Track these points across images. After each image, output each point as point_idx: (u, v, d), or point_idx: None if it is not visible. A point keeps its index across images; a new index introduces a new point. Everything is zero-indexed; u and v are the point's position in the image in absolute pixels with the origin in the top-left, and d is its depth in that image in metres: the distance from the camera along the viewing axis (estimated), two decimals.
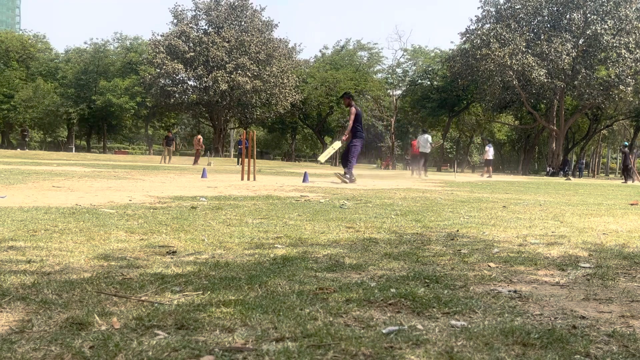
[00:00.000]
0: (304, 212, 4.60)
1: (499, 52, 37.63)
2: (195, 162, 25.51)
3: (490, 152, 23.94)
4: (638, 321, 1.66)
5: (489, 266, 2.46)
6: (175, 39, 46.56)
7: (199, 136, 27.52)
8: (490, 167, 23.86)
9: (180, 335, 1.39)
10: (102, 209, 4.34)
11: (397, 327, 1.49)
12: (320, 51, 60.83)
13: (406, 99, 57.98)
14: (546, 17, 41.68)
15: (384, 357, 1.27)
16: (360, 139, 10.55)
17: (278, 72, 47.91)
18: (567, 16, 40.49)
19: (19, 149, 35.43)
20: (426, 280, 2.10)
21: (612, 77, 37.68)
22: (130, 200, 5.26)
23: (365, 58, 58.15)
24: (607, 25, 37.89)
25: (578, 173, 44.84)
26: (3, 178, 7.90)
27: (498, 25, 39.88)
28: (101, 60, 56.75)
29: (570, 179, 26.02)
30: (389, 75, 59.15)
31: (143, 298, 1.74)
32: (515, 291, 1.99)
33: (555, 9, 40.79)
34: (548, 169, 42.36)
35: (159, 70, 46.13)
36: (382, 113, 60.78)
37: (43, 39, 62.40)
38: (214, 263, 2.33)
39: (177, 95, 47.57)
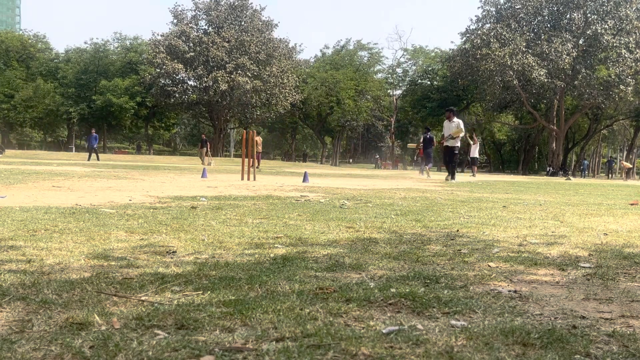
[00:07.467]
0: (304, 212, 4.60)
1: (499, 52, 37.64)
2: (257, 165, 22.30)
3: (473, 150, 23.04)
4: (638, 321, 1.66)
5: (489, 266, 2.46)
6: (175, 39, 46.59)
7: (258, 137, 25.89)
8: (474, 167, 23.26)
9: (180, 335, 1.39)
10: (102, 209, 4.34)
11: (397, 327, 1.49)
12: (320, 51, 60.89)
13: (406, 99, 58.01)
14: (546, 17, 41.71)
15: (384, 357, 1.27)
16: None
17: (278, 72, 47.93)
18: (567, 16, 40.52)
19: None
20: (426, 280, 2.09)
21: (613, 77, 37.68)
22: (130, 200, 5.26)
23: (366, 58, 58.19)
24: (607, 25, 37.91)
25: (580, 173, 44.83)
26: (3, 178, 7.90)
27: (498, 25, 39.90)
28: (101, 60, 56.79)
29: (570, 179, 26.03)
30: (389, 75, 59.21)
31: (143, 298, 1.74)
32: (515, 291, 1.99)
33: (556, 8, 40.81)
34: (548, 168, 42.39)
35: (159, 70, 46.18)
36: (382, 113, 60.77)
37: (43, 39, 62.44)
38: (214, 263, 2.33)
39: (177, 95, 47.61)
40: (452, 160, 13.82)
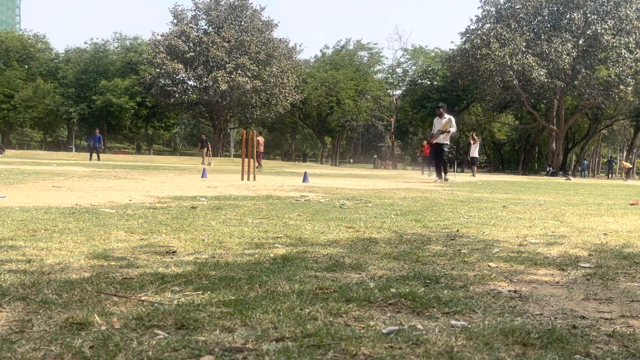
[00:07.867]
0: (304, 212, 4.60)
1: (499, 52, 37.65)
2: (259, 165, 22.82)
3: (473, 150, 22.80)
4: (638, 321, 1.66)
5: (489, 266, 2.46)
6: (175, 39, 46.60)
7: (260, 137, 26.64)
8: (474, 167, 23.05)
9: (180, 335, 1.39)
10: (102, 209, 4.34)
11: (397, 327, 1.49)
12: (320, 51, 60.90)
13: (406, 99, 58.03)
14: (546, 17, 41.72)
15: (384, 357, 1.27)
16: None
17: (278, 72, 47.93)
18: (567, 16, 40.53)
19: None
20: (426, 280, 2.09)
21: (612, 77, 37.69)
22: (130, 200, 5.26)
23: (366, 58, 58.19)
24: (607, 25, 37.92)
25: (580, 173, 44.83)
26: (3, 178, 7.90)
27: (498, 25, 39.91)
28: (101, 60, 56.80)
29: (570, 179, 26.01)
30: (389, 75, 59.22)
31: (143, 298, 1.73)
32: (515, 291, 1.99)
33: (556, 8, 40.82)
34: (548, 168, 42.40)
35: (159, 70, 46.18)
36: (382, 113, 60.79)
37: (43, 39, 62.45)
38: (214, 263, 2.33)
39: (177, 95, 47.61)
40: (442, 158, 12.90)
